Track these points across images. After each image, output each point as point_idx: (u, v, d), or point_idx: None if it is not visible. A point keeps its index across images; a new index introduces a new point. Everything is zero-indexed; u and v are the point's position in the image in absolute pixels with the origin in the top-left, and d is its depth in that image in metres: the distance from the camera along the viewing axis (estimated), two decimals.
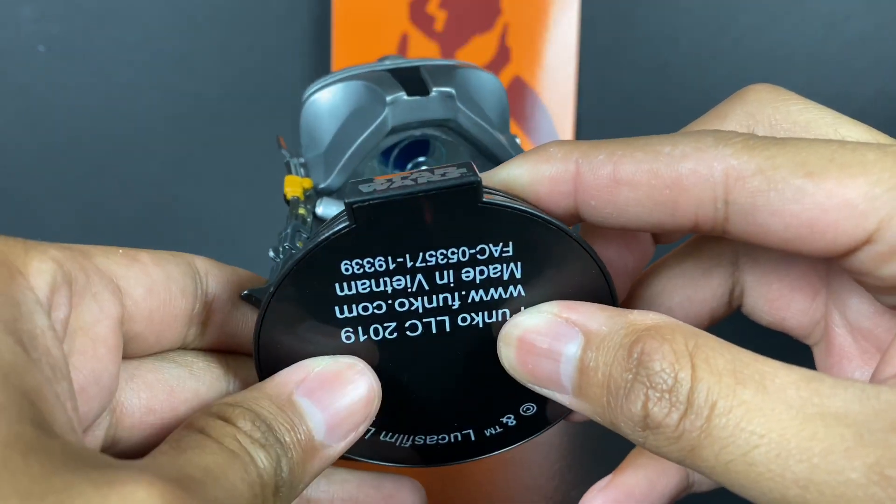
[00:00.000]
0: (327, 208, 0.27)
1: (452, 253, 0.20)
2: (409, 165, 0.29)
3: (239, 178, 0.57)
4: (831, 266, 0.23)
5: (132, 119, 0.56)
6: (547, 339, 0.20)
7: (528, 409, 0.23)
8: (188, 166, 0.57)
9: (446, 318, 0.21)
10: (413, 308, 0.21)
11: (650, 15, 0.57)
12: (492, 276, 0.21)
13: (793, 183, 0.19)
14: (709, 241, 0.25)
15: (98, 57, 0.55)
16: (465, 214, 0.20)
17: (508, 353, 0.21)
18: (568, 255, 0.21)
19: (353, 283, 0.20)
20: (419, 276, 0.20)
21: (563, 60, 0.56)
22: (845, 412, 0.17)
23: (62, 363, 0.18)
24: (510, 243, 0.20)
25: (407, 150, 0.29)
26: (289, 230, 0.26)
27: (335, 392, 0.20)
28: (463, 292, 0.21)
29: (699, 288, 0.24)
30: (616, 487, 0.25)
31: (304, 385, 0.20)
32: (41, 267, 0.19)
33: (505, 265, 0.20)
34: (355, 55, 0.53)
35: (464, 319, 0.21)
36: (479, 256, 0.20)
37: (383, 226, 0.19)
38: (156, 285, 0.22)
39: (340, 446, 0.20)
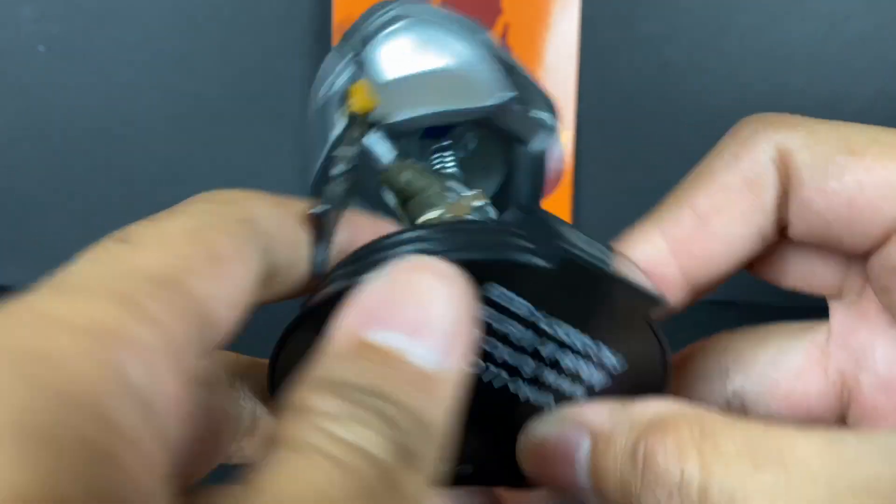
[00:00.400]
0: (376, 144, 0.24)
1: (576, 335, 0.19)
2: (435, 147, 0.27)
3: (239, 178, 0.57)
4: (843, 327, 0.22)
5: (132, 119, 0.56)
6: (559, 445, 0.20)
7: (465, 470, 0.22)
8: (188, 166, 0.57)
9: (508, 379, 0.20)
10: (496, 354, 0.19)
11: (650, 15, 0.57)
12: (579, 371, 0.20)
13: (834, 158, 0.19)
14: (698, 355, 0.24)
15: (98, 57, 0.55)
16: (623, 317, 0.19)
17: (528, 463, 0.20)
18: (650, 373, 0.20)
19: (483, 305, 0.18)
20: (532, 335, 0.19)
21: (563, 60, 0.56)
22: (876, 477, 0.16)
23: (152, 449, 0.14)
24: (622, 356, 0.20)
25: (438, 129, 0.27)
26: (352, 152, 0.22)
27: (414, 303, 0.16)
28: (544, 370, 0.20)
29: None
30: None
31: (371, 318, 0.15)
32: (144, 338, 0.14)
33: (598, 369, 0.20)
34: None
35: (517, 388, 0.20)
36: (587, 349, 0.19)
37: (566, 281, 0.18)
38: (236, 296, 0.17)
39: (464, 362, 0.16)
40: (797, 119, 0.20)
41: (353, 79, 0.24)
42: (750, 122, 0.20)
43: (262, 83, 0.56)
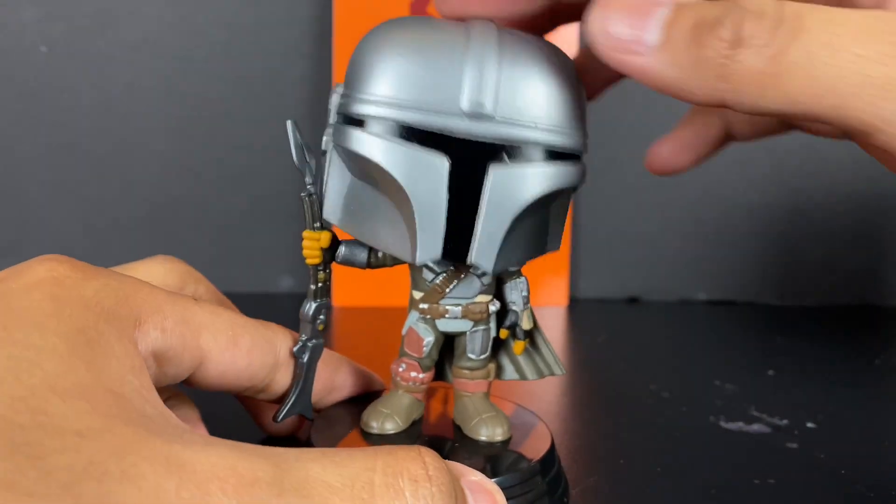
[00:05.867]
0: (350, 253, 0.28)
1: None
2: None
3: (239, 178, 0.57)
4: None
5: (132, 119, 0.56)
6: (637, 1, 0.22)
7: None
8: (188, 166, 0.57)
9: None
10: None
11: None
12: None
13: None
14: None
15: (99, 58, 0.55)
16: None
17: (595, 22, 0.22)
18: None
19: None
20: None
21: None
22: None
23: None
24: None
25: None
26: (310, 310, 0.28)
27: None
28: None
29: None
30: (674, 139, 0.34)
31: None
32: (151, 333, 0.23)
33: None
34: None
35: None
36: None
37: None
38: (229, 373, 0.26)
39: None
40: None
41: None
42: None
43: (262, 83, 0.56)
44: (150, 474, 0.16)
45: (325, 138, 0.26)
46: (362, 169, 0.25)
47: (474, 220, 0.24)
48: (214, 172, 0.57)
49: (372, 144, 0.24)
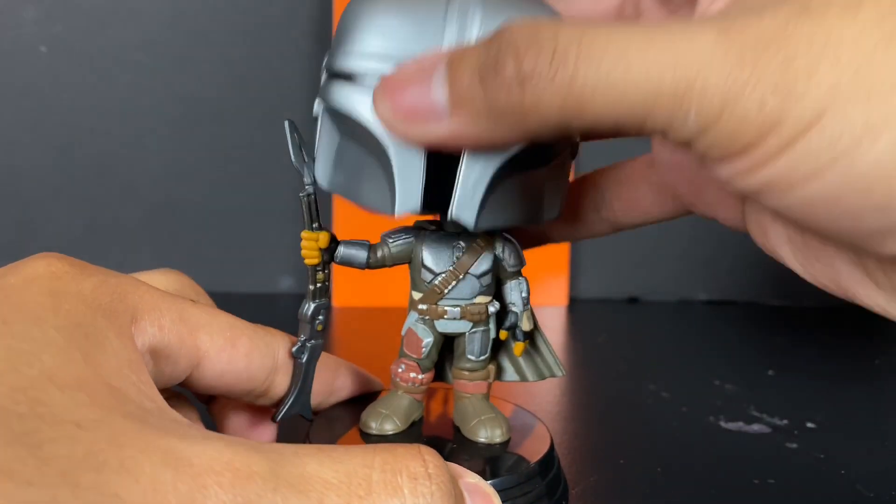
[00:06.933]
0: (347, 255, 0.28)
1: None
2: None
3: (239, 178, 0.57)
4: None
5: (132, 119, 0.56)
6: (414, 68, 0.22)
7: None
8: (188, 166, 0.57)
9: None
10: None
11: None
12: None
13: None
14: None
15: (99, 57, 0.55)
16: None
17: (382, 104, 0.22)
18: None
19: None
20: None
21: None
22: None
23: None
24: None
25: None
26: (309, 310, 0.27)
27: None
28: None
29: None
30: None
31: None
32: (148, 330, 0.23)
33: None
34: None
35: None
36: None
37: None
38: (227, 375, 0.25)
39: None
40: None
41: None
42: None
43: (262, 83, 0.56)
44: (147, 467, 0.17)
45: (315, 104, 0.26)
46: (346, 126, 0.25)
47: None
48: (214, 172, 0.57)
49: (352, 98, 0.24)
